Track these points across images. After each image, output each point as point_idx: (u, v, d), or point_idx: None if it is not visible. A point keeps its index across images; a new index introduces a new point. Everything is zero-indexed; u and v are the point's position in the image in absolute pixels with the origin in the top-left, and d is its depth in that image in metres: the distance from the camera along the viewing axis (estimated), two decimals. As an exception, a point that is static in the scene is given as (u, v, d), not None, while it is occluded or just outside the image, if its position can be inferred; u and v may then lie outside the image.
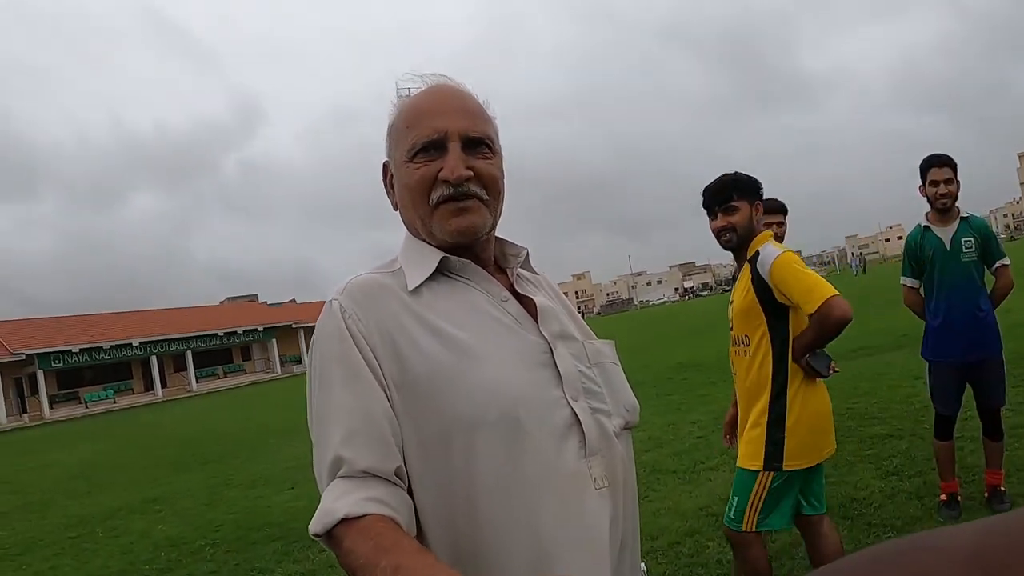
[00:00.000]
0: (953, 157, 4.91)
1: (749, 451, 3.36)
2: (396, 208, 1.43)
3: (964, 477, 5.25)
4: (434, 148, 1.31)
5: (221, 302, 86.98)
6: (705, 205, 3.53)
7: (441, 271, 1.34)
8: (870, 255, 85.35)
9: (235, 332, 67.45)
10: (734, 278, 3.59)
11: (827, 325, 3.09)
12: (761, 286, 3.29)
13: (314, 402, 1.26)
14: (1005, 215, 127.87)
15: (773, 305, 3.28)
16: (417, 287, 1.31)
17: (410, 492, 1.20)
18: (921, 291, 5.12)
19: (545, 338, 1.31)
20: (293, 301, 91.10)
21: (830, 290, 3.07)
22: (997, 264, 4.93)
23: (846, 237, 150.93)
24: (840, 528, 4.94)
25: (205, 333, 65.09)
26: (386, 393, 1.21)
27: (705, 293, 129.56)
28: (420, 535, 1.19)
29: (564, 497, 1.19)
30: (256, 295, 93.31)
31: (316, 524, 1.11)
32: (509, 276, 1.43)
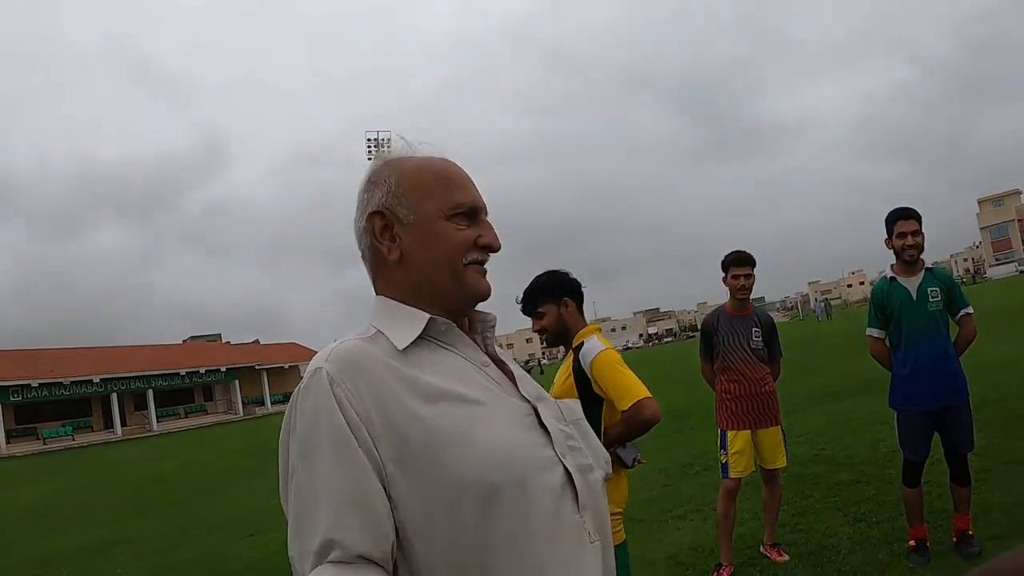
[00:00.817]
0: (915, 207, 5.07)
1: None
2: (397, 260, 1.39)
3: (932, 522, 5.32)
4: (473, 216, 1.40)
5: (184, 340, 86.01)
6: (522, 311, 3.70)
7: (423, 335, 1.33)
8: (833, 300, 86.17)
9: (197, 371, 66.59)
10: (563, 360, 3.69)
11: (636, 423, 3.26)
12: (581, 376, 3.46)
13: (296, 478, 1.19)
14: (965, 259, 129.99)
15: (589, 394, 3.42)
16: (404, 348, 1.30)
17: (404, 557, 1.17)
18: (887, 342, 5.22)
19: (528, 400, 1.35)
20: (256, 342, 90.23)
21: (643, 392, 3.26)
22: (961, 313, 5.07)
23: (809, 283, 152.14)
24: (810, 576, 5.01)
25: (167, 372, 64.18)
26: (380, 466, 1.17)
27: (669, 339, 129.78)
28: None
29: (566, 551, 1.22)
30: (219, 334, 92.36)
31: None
32: (479, 341, 1.45)
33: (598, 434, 3.30)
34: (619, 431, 3.36)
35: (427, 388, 1.24)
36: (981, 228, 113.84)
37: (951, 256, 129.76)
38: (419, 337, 1.32)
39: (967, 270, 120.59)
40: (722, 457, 5.52)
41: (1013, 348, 13.76)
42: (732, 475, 5.42)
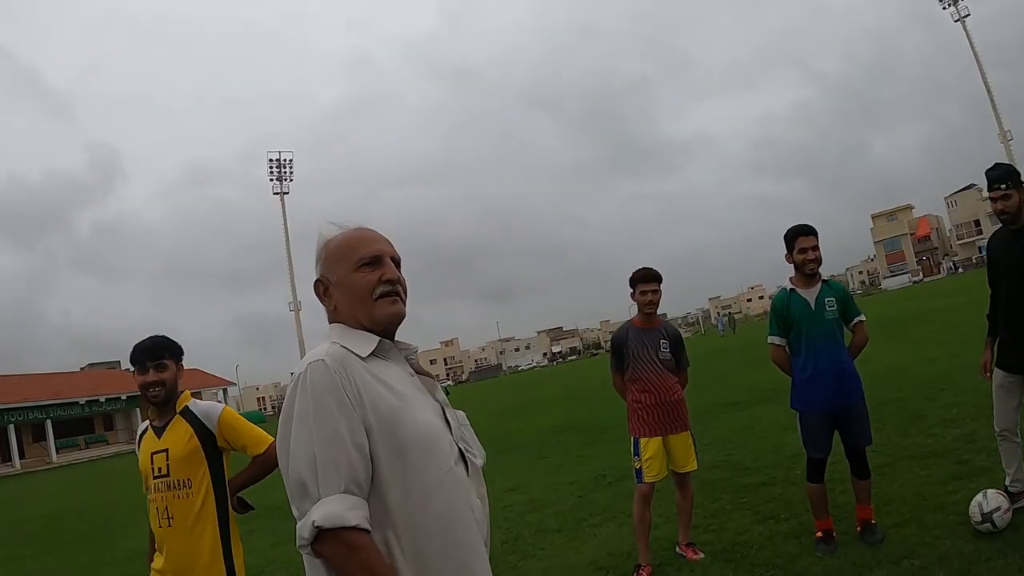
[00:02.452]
0: (812, 224, 5.47)
1: None
2: (333, 310, 2.02)
3: (837, 515, 5.61)
4: (375, 262, 1.99)
5: (82, 368, 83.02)
6: (135, 360, 3.86)
7: (374, 352, 1.93)
8: (735, 315, 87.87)
9: (97, 400, 64.52)
10: (164, 429, 3.84)
11: (270, 464, 3.75)
12: (205, 434, 3.77)
13: (312, 427, 1.74)
14: (860, 272, 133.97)
15: (213, 450, 3.79)
16: (367, 356, 1.90)
17: (375, 491, 1.77)
18: (787, 348, 5.56)
19: (439, 402, 2.01)
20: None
21: (270, 437, 3.72)
22: (855, 321, 5.48)
23: (709, 299, 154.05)
24: (725, 571, 5.23)
25: (66, 401, 61.86)
26: (364, 425, 1.78)
27: (573, 358, 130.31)
28: (384, 512, 1.76)
29: (467, 493, 1.90)
30: (119, 361, 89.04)
31: (330, 520, 1.66)
32: (409, 361, 2.05)
33: (222, 487, 3.78)
34: (250, 475, 3.88)
35: (384, 381, 1.87)
36: (875, 242, 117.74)
37: (847, 269, 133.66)
38: (371, 353, 1.91)
39: (863, 282, 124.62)
40: (635, 463, 5.72)
41: (906, 353, 14.43)
42: (646, 480, 5.63)
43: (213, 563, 3.66)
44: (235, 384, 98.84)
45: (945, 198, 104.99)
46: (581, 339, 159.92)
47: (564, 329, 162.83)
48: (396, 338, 2.04)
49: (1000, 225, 5.24)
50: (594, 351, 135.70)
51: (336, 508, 1.66)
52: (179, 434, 3.76)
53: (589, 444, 12.71)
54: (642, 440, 5.69)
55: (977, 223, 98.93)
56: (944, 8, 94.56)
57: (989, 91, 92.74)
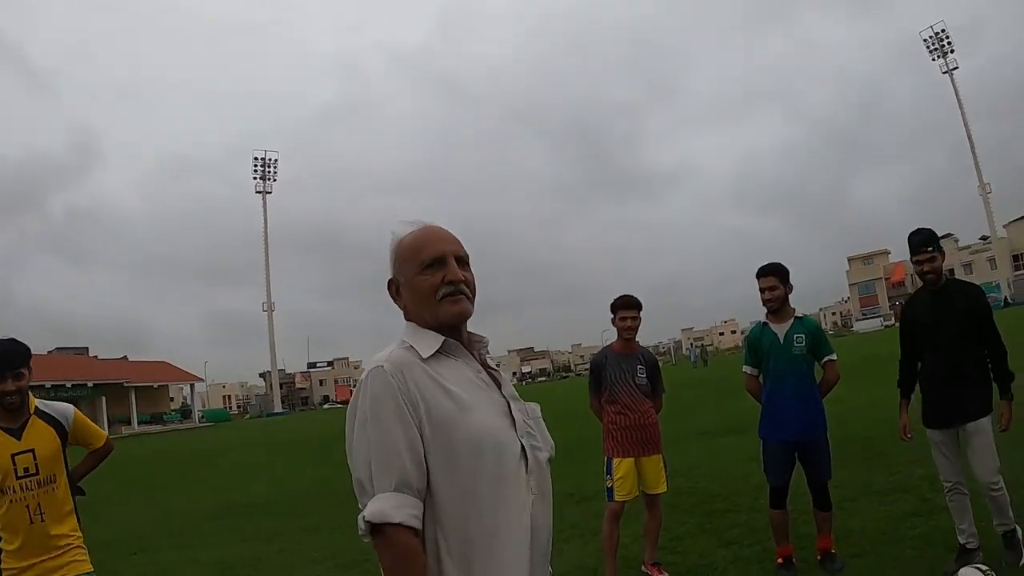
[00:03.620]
0: (786, 261, 5.70)
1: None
2: (404, 309, 2.11)
3: (799, 544, 5.79)
4: (438, 264, 2.04)
5: (49, 352, 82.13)
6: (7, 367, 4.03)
7: (440, 350, 1.99)
8: (707, 347, 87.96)
9: (63, 385, 63.63)
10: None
11: (104, 455, 4.47)
12: (62, 432, 4.11)
13: (369, 434, 1.85)
14: (834, 313, 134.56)
15: (64, 445, 4.12)
16: (429, 356, 1.96)
17: (429, 492, 1.86)
18: (759, 378, 5.79)
19: (505, 398, 2.04)
20: (125, 358, 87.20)
21: (105, 432, 4.50)
22: (825, 359, 5.65)
23: (682, 329, 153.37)
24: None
25: (31, 384, 61.07)
26: (420, 430, 1.86)
27: (543, 379, 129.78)
28: (435, 515, 1.85)
29: (518, 493, 1.93)
30: (87, 348, 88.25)
31: (376, 516, 1.77)
32: (475, 354, 2.10)
33: (70, 479, 4.13)
34: (91, 464, 4.46)
35: (443, 383, 1.93)
36: (850, 284, 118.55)
37: (820, 309, 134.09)
38: (436, 351, 1.98)
39: (835, 323, 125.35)
40: (607, 482, 5.87)
41: (874, 394, 14.61)
42: (616, 498, 5.79)
43: (78, 546, 4.04)
44: (202, 380, 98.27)
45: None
46: (552, 361, 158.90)
47: (535, 350, 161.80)
48: (471, 330, 2.13)
49: (915, 291, 5.53)
50: (564, 374, 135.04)
51: (383, 505, 1.78)
52: (41, 434, 4.00)
53: (559, 463, 12.77)
54: (615, 460, 5.84)
55: (951, 271, 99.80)
56: (933, 60, 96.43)
57: (972, 144, 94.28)
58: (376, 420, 1.85)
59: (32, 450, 3.92)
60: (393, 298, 2.15)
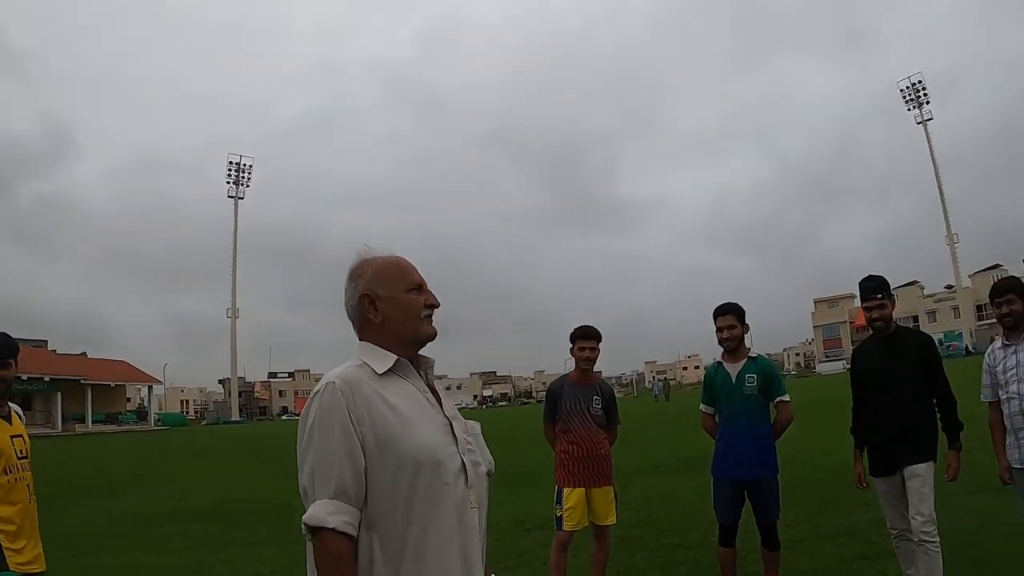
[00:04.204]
0: (749, 301, 5.83)
1: None
2: (380, 323, 2.26)
3: (747, 581, 5.77)
4: (419, 289, 2.30)
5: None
6: None
7: (391, 369, 2.18)
8: (670, 381, 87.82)
9: (19, 377, 61.74)
10: None
11: None
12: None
13: (315, 445, 2.04)
14: (797, 354, 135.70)
15: None
16: (382, 374, 2.15)
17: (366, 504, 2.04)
18: (715, 417, 5.83)
19: (447, 417, 2.23)
20: (84, 355, 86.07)
21: None
22: (777, 399, 5.68)
23: (646, 362, 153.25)
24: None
25: None
26: (362, 445, 2.04)
27: (503, 403, 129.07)
28: (372, 522, 2.02)
29: (458, 508, 2.12)
30: (46, 341, 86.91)
31: (311, 520, 1.97)
32: (423, 375, 2.30)
33: None
34: None
35: (390, 401, 2.12)
36: (815, 326, 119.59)
37: (784, 349, 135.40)
38: (388, 370, 2.17)
39: (798, 364, 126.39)
40: (557, 511, 5.87)
41: (831, 436, 14.65)
42: (565, 528, 5.79)
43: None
44: (161, 383, 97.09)
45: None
46: (514, 386, 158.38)
47: (498, 374, 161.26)
48: (420, 352, 2.32)
49: (864, 339, 5.60)
50: (525, 399, 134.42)
51: (320, 511, 1.97)
52: (17, 422, 4.30)
53: (510, 490, 12.73)
54: (566, 490, 5.84)
55: (915, 319, 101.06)
56: (909, 110, 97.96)
57: (942, 194, 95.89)
58: (322, 431, 2.04)
59: (22, 434, 4.26)
60: (364, 310, 2.29)
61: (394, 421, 2.08)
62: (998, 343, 5.15)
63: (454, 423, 2.24)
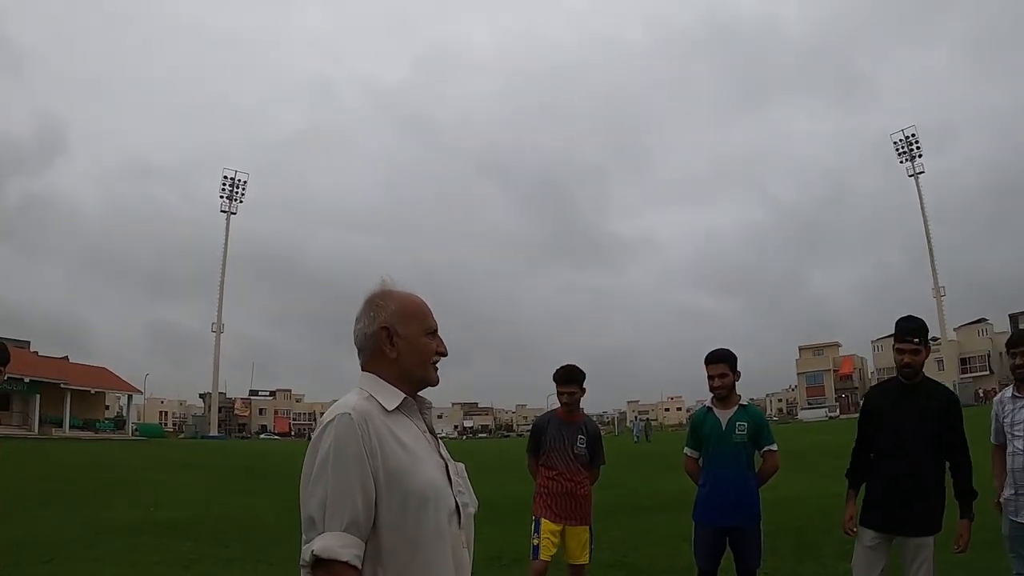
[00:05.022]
0: (735, 346, 5.72)
1: None
2: (394, 359, 2.27)
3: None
4: (434, 334, 2.35)
5: (-10, 341, 79.40)
6: None
7: (398, 407, 2.21)
8: (651, 421, 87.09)
9: (-1, 379, 61.96)
10: None
11: None
12: None
13: (328, 476, 2.03)
14: (780, 400, 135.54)
15: None
16: (391, 410, 2.18)
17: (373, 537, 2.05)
18: (699, 461, 5.81)
19: (443, 458, 2.28)
20: (66, 359, 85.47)
21: None
22: (765, 448, 5.66)
23: (628, 401, 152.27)
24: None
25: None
26: (373, 478, 2.05)
27: (484, 435, 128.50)
28: (378, 555, 2.04)
29: (454, 547, 2.18)
30: (29, 342, 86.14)
31: (324, 552, 1.96)
32: (424, 417, 2.33)
33: None
34: None
35: (399, 437, 2.14)
36: (799, 373, 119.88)
37: (767, 395, 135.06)
38: (395, 408, 2.20)
39: (780, 410, 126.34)
40: (534, 540, 5.89)
41: (812, 484, 14.72)
42: (542, 557, 5.82)
43: None
44: (141, 393, 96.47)
45: (872, 341, 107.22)
46: (495, 418, 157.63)
47: (479, 405, 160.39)
48: (419, 393, 2.35)
49: (884, 380, 5.39)
50: (506, 432, 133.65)
51: (332, 543, 1.97)
52: None
53: (488, 523, 12.64)
54: (543, 521, 5.86)
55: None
56: (901, 162, 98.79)
57: (931, 247, 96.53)
58: (337, 463, 2.03)
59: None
60: (381, 342, 2.29)
61: (404, 457, 2.12)
62: (1008, 392, 5.13)
63: (449, 465, 2.28)
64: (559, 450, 5.97)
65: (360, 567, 2.01)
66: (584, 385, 6.11)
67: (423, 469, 2.14)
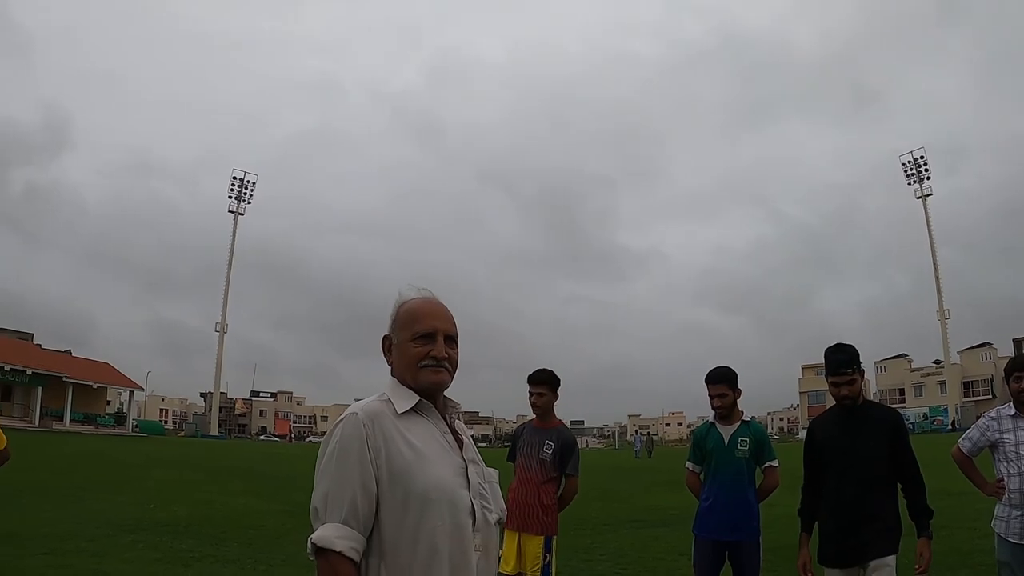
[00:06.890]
0: (739, 363, 5.78)
1: None
2: (391, 365, 2.42)
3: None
4: (428, 338, 2.36)
5: (-6, 331, 79.46)
6: None
7: (413, 408, 2.29)
8: (652, 436, 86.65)
9: (1, 368, 62.22)
10: None
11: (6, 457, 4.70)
12: None
13: (331, 470, 2.16)
14: (782, 419, 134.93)
15: None
16: (403, 412, 2.26)
17: (375, 533, 2.15)
18: (700, 476, 5.85)
19: (464, 460, 2.33)
20: (69, 352, 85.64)
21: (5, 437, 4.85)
22: (766, 464, 5.70)
23: (629, 415, 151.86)
24: None
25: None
26: (377, 476, 2.15)
27: (484, 444, 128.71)
28: (381, 550, 2.14)
29: (462, 549, 2.20)
30: (32, 335, 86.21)
31: (320, 542, 2.08)
32: (447, 419, 2.40)
33: None
34: None
35: (408, 438, 2.22)
36: (801, 392, 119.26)
37: (769, 413, 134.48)
38: (410, 409, 2.29)
39: (781, 428, 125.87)
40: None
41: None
42: (500, 569, 5.73)
43: None
44: (143, 389, 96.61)
45: (875, 362, 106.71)
46: (495, 428, 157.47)
47: (480, 414, 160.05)
48: (447, 395, 2.44)
49: (824, 410, 5.21)
50: (505, 442, 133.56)
51: (329, 533, 2.09)
52: None
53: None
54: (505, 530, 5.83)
55: (902, 391, 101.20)
56: (909, 184, 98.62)
57: (936, 269, 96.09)
58: (340, 459, 2.16)
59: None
60: (384, 353, 2.46)
61: (410, 457, 2.19)
62: (1010, 411, 5.09)
63: (470, 466, 2.34)
64: (526, 455, 6.04)
65: (357, 560, 2.11)
66: (557, 391, 6.14)
67: (429, 470, 2.20)
